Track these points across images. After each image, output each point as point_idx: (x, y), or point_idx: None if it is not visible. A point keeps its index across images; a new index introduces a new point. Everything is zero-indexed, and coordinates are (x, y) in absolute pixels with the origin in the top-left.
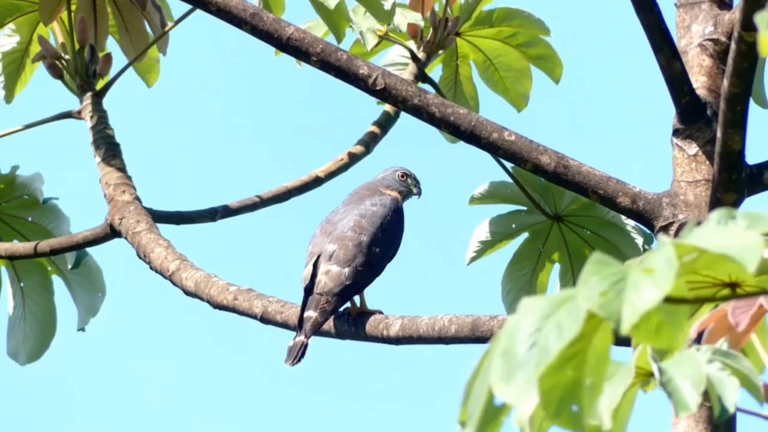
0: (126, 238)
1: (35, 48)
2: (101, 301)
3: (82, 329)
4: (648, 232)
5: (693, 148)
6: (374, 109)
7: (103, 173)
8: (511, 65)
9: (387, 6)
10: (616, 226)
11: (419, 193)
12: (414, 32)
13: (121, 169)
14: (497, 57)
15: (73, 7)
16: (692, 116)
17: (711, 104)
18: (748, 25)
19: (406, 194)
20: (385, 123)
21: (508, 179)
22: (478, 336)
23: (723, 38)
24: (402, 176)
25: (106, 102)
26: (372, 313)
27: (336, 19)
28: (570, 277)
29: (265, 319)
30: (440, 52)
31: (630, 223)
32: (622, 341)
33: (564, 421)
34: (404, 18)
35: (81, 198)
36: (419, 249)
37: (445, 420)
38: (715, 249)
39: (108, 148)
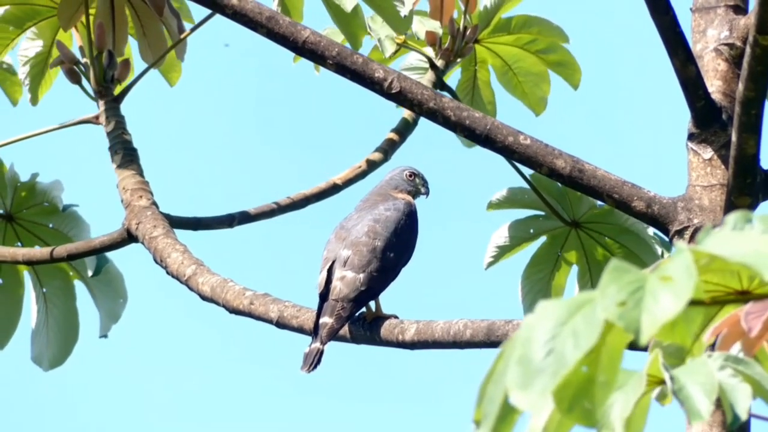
0: (143, 243)
1: (57, 52)
2: (123, 308)
3: (104, 336)
4: (666, 239)
5: (708, 153)
6: (393, 113)
7: (121, 178)
8: (530, 70)
9: (404, 12)
10: (634, 233)
11: (427, 193)
12: (432, 40)
13: (139, 174)
14: (516, 62)
15: (92, 12)
16: (707, 120)
17: (726, 108)
18: (763, 29)
19: (415, 194)
20: (404, 130)
21: (526, 185)
22: (494, 340)
23: (738, 43)
24: (410, 176)
25: (124, 107)
26: (387, 317)
27: (353, 28)
28: (588, 280)
29: (280, 324)
30: (458, 60)
31: (649, 230)
32: (632, 345)
33: (577, 416)
34: (423, 26)
35: (98, 203)
36: (438, 254)
37: (458, 423)
38: (732, 257)
39: (125, 153)
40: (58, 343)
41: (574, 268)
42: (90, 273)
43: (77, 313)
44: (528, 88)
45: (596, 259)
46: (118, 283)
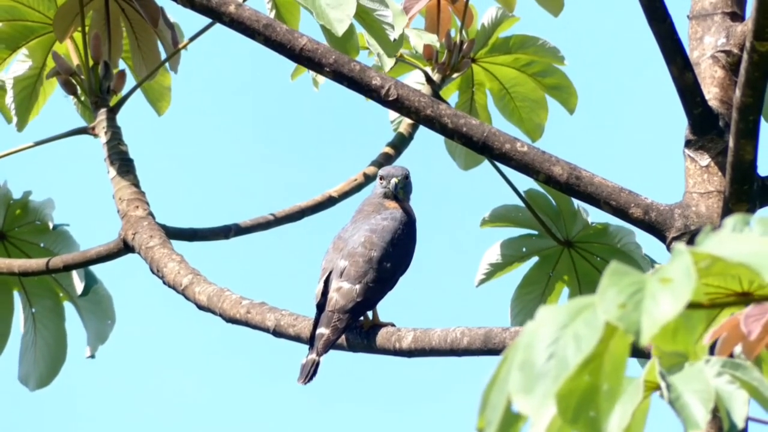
0: (139, 254)
1: (46, 76)
2: (111, 329)
3: (92, 356)
4: (657, 262)
5: (705, 159)
6: (389, 126)
7: (117, 188)
8: (527, 95)
9: (393, 36)
10: (626, 254)
11: (391, 196)
12: (429, 54)
13: (135, 184)
14: (513, 86)
15: (86, 25)
16: (704, 127)
17: (723, 115)
18: (761, 35)
19: (391, 197)
20: (399, 144)
21: (521, 203)
22: (491, 348)
23: (735, 50)
24: (380, 179)
25: (120, 118)
26: (384, 325)
27: (347, 50)
28: None
29: (277, 333)
30: (455, 75)
31: (641, 251)
32: (636, 351)
33: (581, 426)
34: (420, 39)
35: (94, 214)
36: (432, 269)
37: (455, 429)
38: (732, 257)
39: (122, 163)
40: (45, 362)
41: (566, 290)
42: (78, 292)
43: (65, 333)
44: (525, 113)
45: (588, 280)
46: (107, 304)
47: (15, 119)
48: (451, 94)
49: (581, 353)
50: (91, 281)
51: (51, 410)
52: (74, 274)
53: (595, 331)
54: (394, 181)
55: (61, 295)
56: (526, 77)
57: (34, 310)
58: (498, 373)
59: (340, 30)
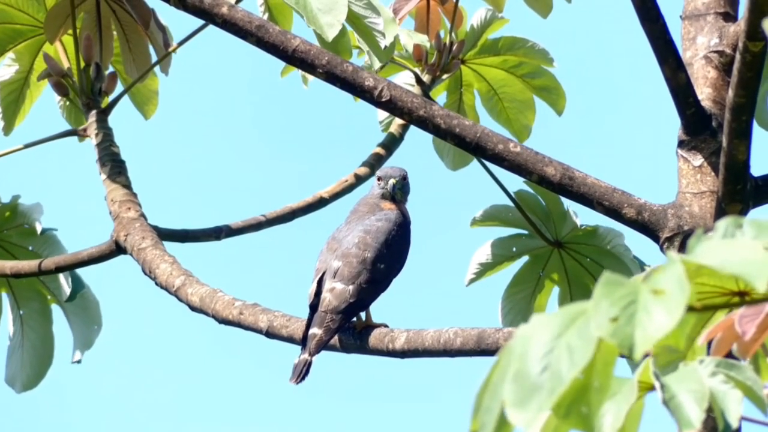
0: (131, 255)
1: (35, 77)
2: (97, 335)
3: (77, 362)
4: (647, 264)
5: (698, 160)
6: (380, 128)
7: (109, 190)
8: (515, 96)
9: (385, 43)
10: (615, 256)
11: (388, 197)
12: (419, 55)
13: (127, 186)
14: (501, 87)
15: (77, 26)
16: (697, 127)
17: (716, 116)
18: (753, 35)
19: (389, 198)
20: (390, 145)
21: (510, 203)
22: (484, 348)
23: (728, 50)
24: (378, 180)
25: (111, 119)
26: (377, 326)
27: (339, 51)
28: (568, 302)
29: (270, 334)
30: (444, 76)
31: (630, 254)
32: None
33: (573, 422)
34: (410, 39)
35: (86, 215)
36: (422, 269)
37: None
38: (723, 267)
39: (113, 165)
40: (32, 365)
41: (556, 290)
42: (65, 297)
43: (53, 336)
44: (513, 114)
45: (577, 281)
46: (94, 310)
47: (2, 123)
48: (440, 95)
49: (575, 367)
50: (78, 286)
51: (39, 412)
52: (62, 278)
53: (588, 342)
54: (392, 182)
55: (48, 297)
56: (514, 78)
57: (22, 312)
58: (491, 376)
59: (330, 35)
